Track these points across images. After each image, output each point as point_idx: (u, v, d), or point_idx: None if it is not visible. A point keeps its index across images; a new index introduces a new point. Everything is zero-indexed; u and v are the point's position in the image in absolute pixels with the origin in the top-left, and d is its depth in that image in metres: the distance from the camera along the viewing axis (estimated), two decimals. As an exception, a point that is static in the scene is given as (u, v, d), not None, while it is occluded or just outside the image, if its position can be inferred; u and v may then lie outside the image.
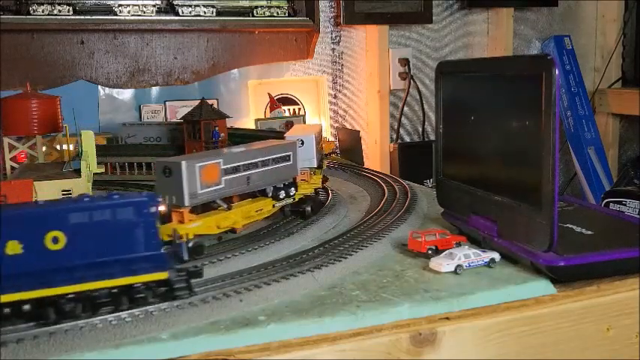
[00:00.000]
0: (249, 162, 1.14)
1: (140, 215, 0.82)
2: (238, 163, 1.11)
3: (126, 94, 2.32)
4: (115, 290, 0.80)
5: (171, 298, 0.83)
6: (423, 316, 0.84)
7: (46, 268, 0.77)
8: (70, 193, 1.26)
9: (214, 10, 2.26)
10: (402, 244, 1.09)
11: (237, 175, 1.11)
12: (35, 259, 0.76)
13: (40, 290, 0.76)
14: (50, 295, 0.77)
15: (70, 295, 0.78)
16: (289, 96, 2.53)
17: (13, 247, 0.75)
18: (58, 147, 1.76)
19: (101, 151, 1.63)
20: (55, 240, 0.77)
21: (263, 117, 2.42)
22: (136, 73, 2.29)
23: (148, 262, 0.82)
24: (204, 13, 2.25)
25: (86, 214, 0.79)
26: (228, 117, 1.80)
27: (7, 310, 0.76)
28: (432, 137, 2.70)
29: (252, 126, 2.37)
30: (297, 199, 1.27)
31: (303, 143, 1.30)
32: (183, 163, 1.00)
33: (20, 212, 0.77)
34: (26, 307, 0.76)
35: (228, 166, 1.09)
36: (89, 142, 1.35)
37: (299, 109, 2.54)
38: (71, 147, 1.62)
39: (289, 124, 2.20)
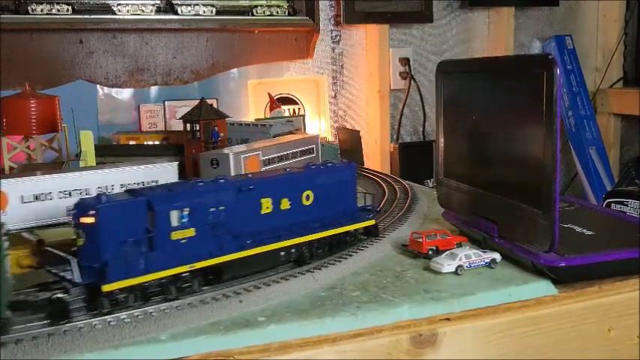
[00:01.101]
0: (74, 189, 0.99)
1: (352, 175, 1.06)
2: (46, 191, 0.98)
3: (125, 94, 2.31)
4: (338, 236, 1.01)
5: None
6: (423, 317, 0.83)
7: (303, 220, 0.97)
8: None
9: (214, 9, 2.26)
10: (403, 245, 1.09)
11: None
12: (297, 214, 0.97)
13: (299, 238, 0.95)
14: (304, 242, 0.97)
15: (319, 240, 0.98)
16: (289, 96, 2.52)
17: (285, 204, 0.95)
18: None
19: (101, 151, 1.63)
20: (308, 197, 0.98)
21: (263, 117, 2.42)
22: (135, 73, 2.28)
23: (357, 213, 1.06)
24: (204, 12, 2.24)
25: (327, 176, 1.01)
26: (227, 117, 1.80)
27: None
28: (432, 137, 2.69)
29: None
30: None
31: (217, 164, 1.09)
32: None
33: (290, 176, 0.99)
34: (282, 253, 0.95)
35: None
36: (88, 142, 1.34)
37: (299, 108, 2.54)
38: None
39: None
